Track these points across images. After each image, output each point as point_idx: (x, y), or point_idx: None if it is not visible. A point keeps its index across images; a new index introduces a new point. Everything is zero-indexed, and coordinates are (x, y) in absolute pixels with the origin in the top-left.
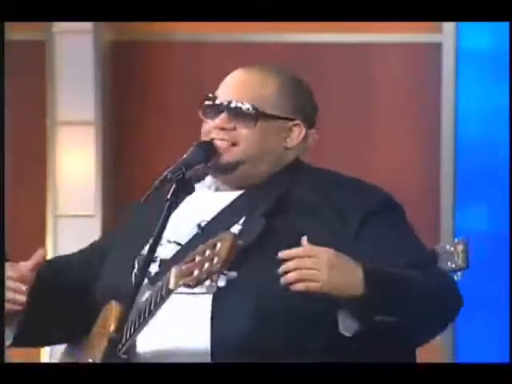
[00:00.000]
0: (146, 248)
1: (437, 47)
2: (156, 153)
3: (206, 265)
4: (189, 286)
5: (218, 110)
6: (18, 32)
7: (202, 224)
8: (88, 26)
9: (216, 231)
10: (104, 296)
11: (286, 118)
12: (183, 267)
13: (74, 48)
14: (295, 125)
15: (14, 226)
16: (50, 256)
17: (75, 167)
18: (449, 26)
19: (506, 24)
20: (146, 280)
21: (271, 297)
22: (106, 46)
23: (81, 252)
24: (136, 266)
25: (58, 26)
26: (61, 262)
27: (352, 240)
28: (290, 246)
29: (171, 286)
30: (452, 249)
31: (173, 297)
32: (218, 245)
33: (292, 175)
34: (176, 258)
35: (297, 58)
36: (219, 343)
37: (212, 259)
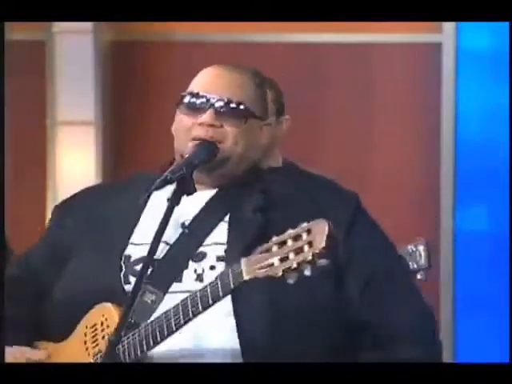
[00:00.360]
0: (130, 248)
1: (437, 47)
2: (156, 153)
3: (292, 255)
4: (270, 276)
5: (203, 106)
6: (18, 32)
7: (186, 223)
8: (88, 26)
9: (202, 229)
10: (85, 298)
11: (263, 118)
12: (257, 258)
13: (74, 48)
14: (266, 124)
15: (14, 226)
16: None
17: (75, 167)
18: (449, 26)
19: (506, 24)
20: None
21: (282, 295)
22: (106, 46)
23: (33, 258)
24: (123, 266)
25: (58, 26)
26: (21, 268)
27: (342, 240)
28: None
29: (245, 277)
30: (414, 249)
31: (178, 296)
32: (304, 236)
33: (262, 172)
34: (168, 257)
35: (297, 58)
36: (248, 342)
37: (299, 249)
